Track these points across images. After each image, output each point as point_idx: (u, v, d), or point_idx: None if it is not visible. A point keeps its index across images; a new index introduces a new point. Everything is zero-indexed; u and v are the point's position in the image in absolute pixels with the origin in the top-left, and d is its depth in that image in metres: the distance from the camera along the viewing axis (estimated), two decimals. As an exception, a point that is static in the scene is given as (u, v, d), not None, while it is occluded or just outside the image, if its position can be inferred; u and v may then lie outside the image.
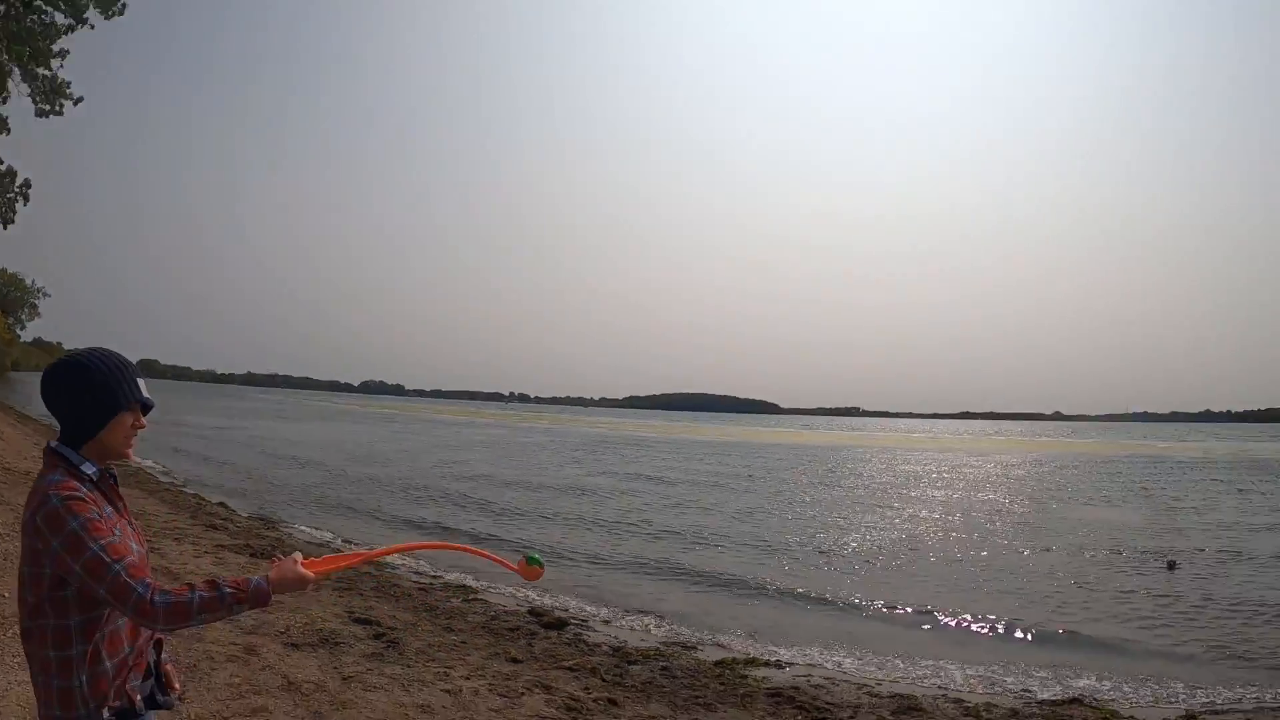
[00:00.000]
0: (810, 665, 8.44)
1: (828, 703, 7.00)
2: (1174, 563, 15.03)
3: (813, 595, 12.01)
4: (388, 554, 3.37)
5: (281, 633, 7.09)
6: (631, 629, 9.68)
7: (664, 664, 7.87)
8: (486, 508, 20.30)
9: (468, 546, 3.15)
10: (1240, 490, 33.00)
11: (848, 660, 8.82)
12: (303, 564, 2.31)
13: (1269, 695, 8.36)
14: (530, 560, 2.80)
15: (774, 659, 8.57)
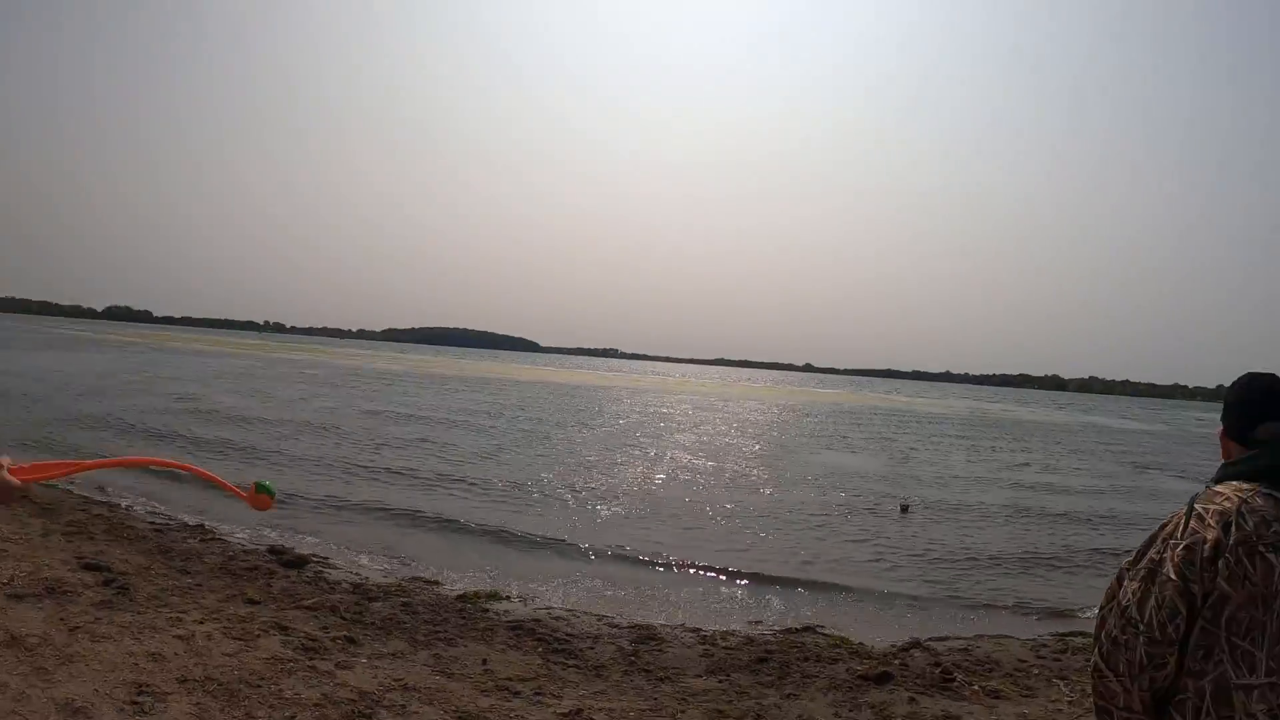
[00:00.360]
0: (552, 600, 8.71)
1: (568, 634, 7.28)
2: (907, 506, 16.25)
3: (556, 537, 12.20)
4: (103, 466, 3.24)
5: (4, 584, 6.70)
6: (373, 567, 9.63)
7: (405, 600, 7.91)
8: (222, 445, 19.30)
9: (191, 466, 3.01)
10: (972, 445, 36.67)
11: (589, 597, 9.15)
12: (10, 470, 2.20)
13: (986, 626, 9.46)
14: (260, 488, 2.70)
15: (516, 594, 8.79)
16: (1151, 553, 2.20)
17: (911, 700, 6.42)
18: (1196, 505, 2.19)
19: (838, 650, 7.74)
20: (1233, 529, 2.09)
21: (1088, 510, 18.81)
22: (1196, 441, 51.96)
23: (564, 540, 12.07)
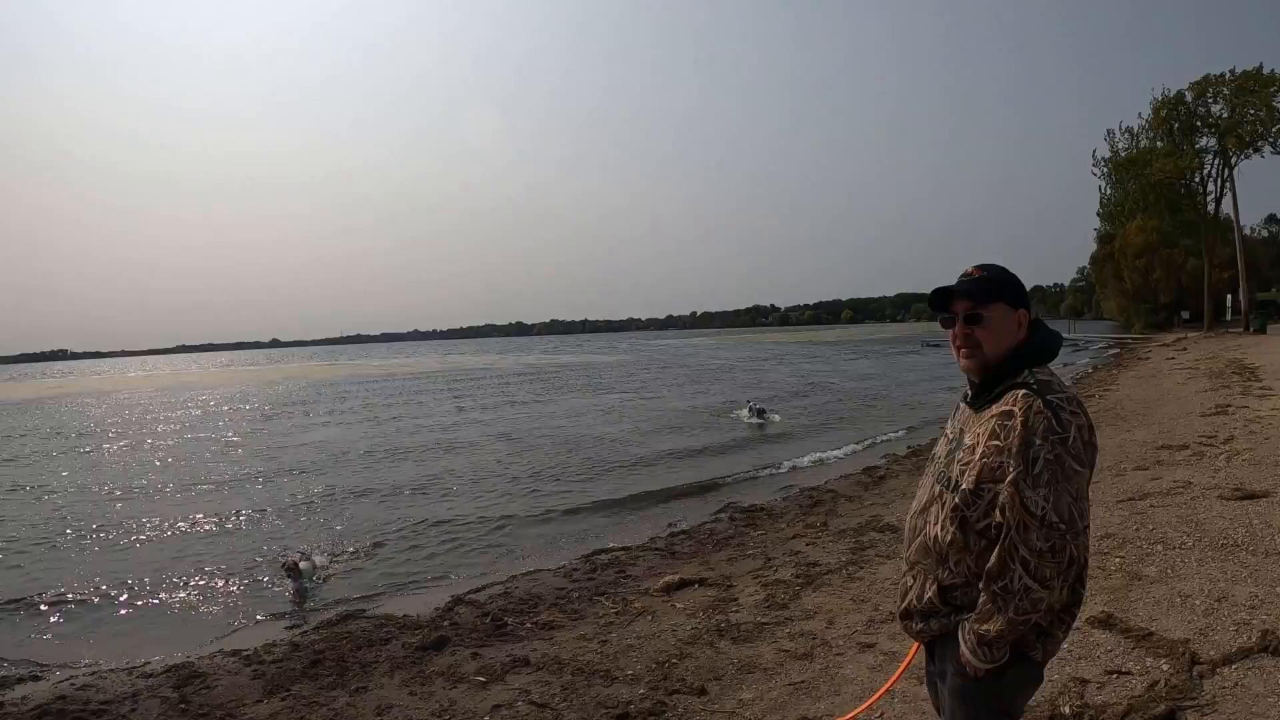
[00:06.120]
0: (69, 670, 7.50)
1: (103, 701, 6.40)
2: (294, 568, 10.25)
3: (35, 597, 10.10)
4: None
5: None
6: None
7: None
8: None
9: None
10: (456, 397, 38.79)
11: (103, 651, 8.09)
12: None
13: (514, 567, 10.13)
14: None
15: (29, 673, 7.54)
16: (1044, 455, 2.27)
17: (475, 655, 6.59)
18: (1050, 398, 2.33)
19: (386, 629, 7.71)
20: (1085, 410, 2.36)
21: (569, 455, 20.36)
22: (668, 365, 60.59)
23: (47, 598, 10.09)
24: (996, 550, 2.34)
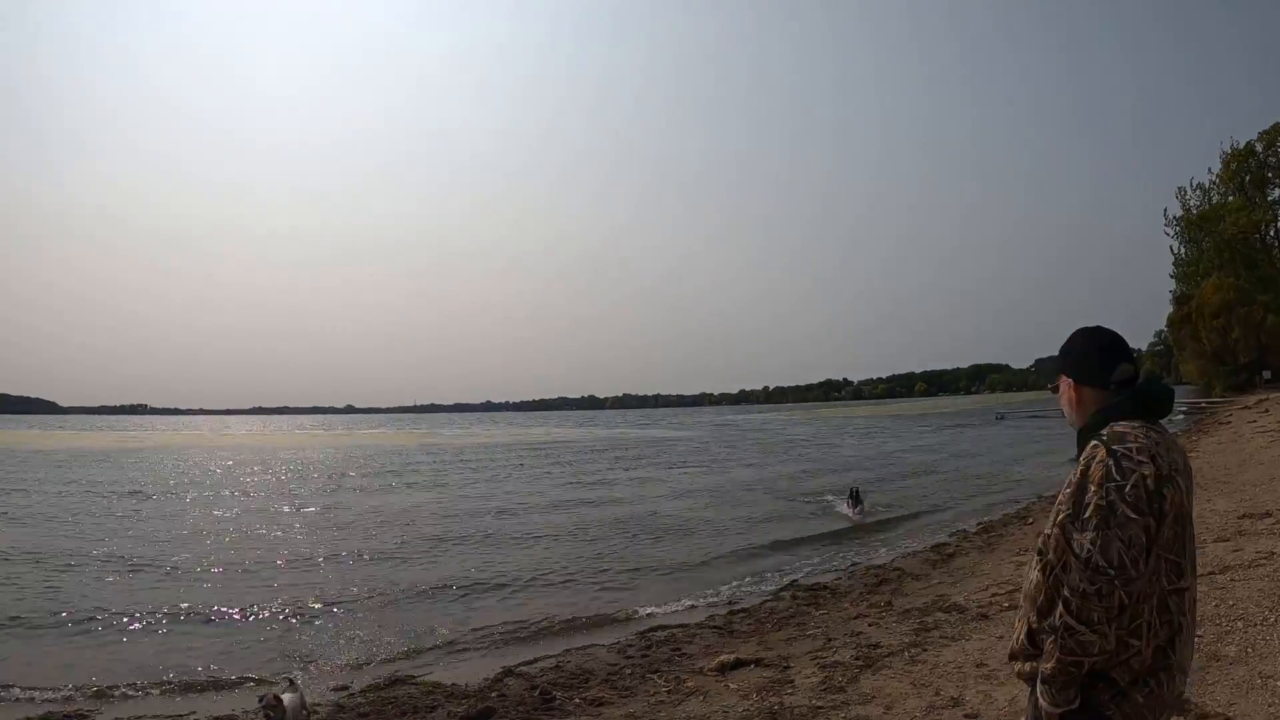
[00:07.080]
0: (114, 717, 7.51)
1: None
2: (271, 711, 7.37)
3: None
4: None
5: None
6: None
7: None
8: None
9: None
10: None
11: (155, 705, 8.03)
12: None
13: (570, 641, 9.82)
14: None
15: (75, 711, 7.59)
16: (1096, 500, 2.32)
17: (519, 728, 6.42)
18: (1115, 447, 2.37)
19: (433, 697, 7.64)
20: (1158, 461, 2.36)
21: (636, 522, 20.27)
22: (748, 443, 58.99)
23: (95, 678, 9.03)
24: (1046, 589, 2.45)
